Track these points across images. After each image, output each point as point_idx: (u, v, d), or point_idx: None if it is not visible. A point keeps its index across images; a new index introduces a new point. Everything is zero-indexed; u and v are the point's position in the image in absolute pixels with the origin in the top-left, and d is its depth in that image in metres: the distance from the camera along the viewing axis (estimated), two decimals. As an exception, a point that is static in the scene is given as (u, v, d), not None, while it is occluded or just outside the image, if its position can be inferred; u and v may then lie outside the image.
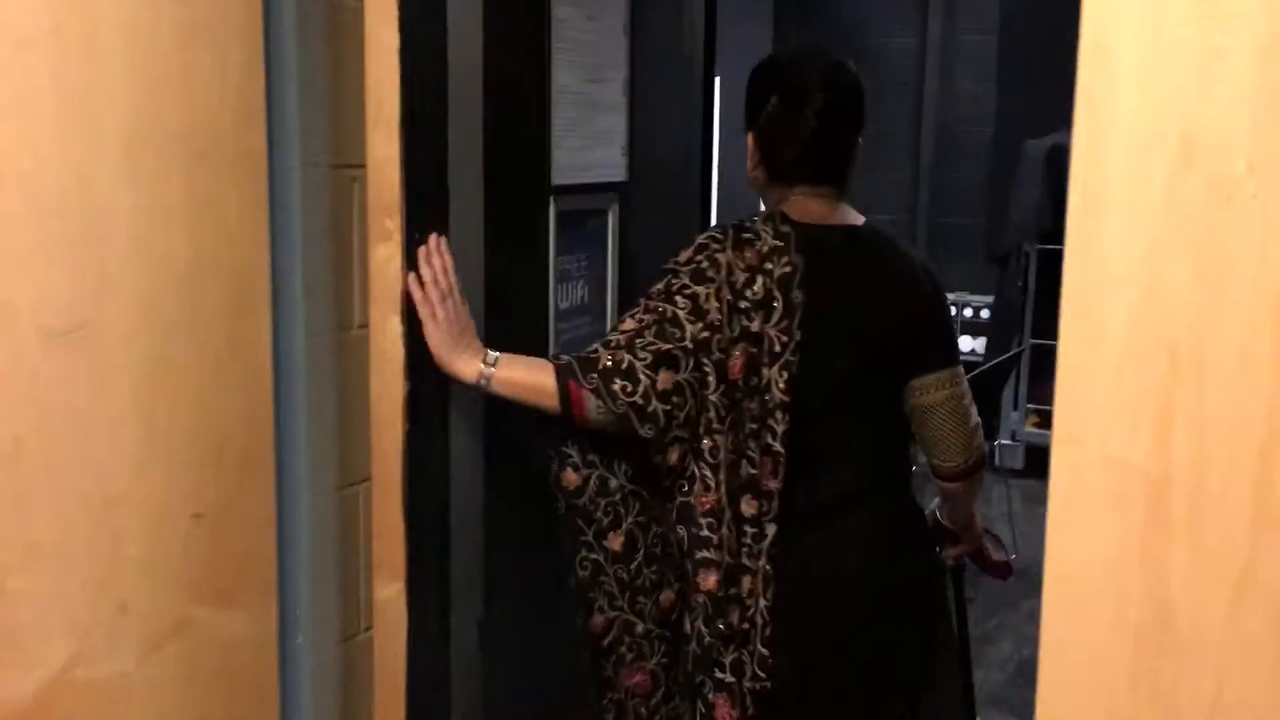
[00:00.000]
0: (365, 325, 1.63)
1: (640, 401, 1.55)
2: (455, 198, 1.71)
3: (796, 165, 1.67)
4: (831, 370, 1.63)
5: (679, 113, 2.50)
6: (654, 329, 1.58)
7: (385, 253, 1.62)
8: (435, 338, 1.59)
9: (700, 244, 1.65)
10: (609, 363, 1.57)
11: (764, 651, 1.61)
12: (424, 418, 1.66)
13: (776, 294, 1.58)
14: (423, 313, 1.59)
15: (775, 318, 1.57)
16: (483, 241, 1.76)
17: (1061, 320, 1.02)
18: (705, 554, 1.60)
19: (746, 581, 1.61)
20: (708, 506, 1.59)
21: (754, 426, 1.59)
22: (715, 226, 1.67)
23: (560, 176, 1.97)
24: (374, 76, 1.58)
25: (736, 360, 1.58)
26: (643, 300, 1.64)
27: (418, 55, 1.60)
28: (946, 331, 1.77)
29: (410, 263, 1.61)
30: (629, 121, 2.16)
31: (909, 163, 5.96)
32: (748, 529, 1.60)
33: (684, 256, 1.64)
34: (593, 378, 1.56)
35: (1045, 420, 5.22)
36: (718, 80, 2.59)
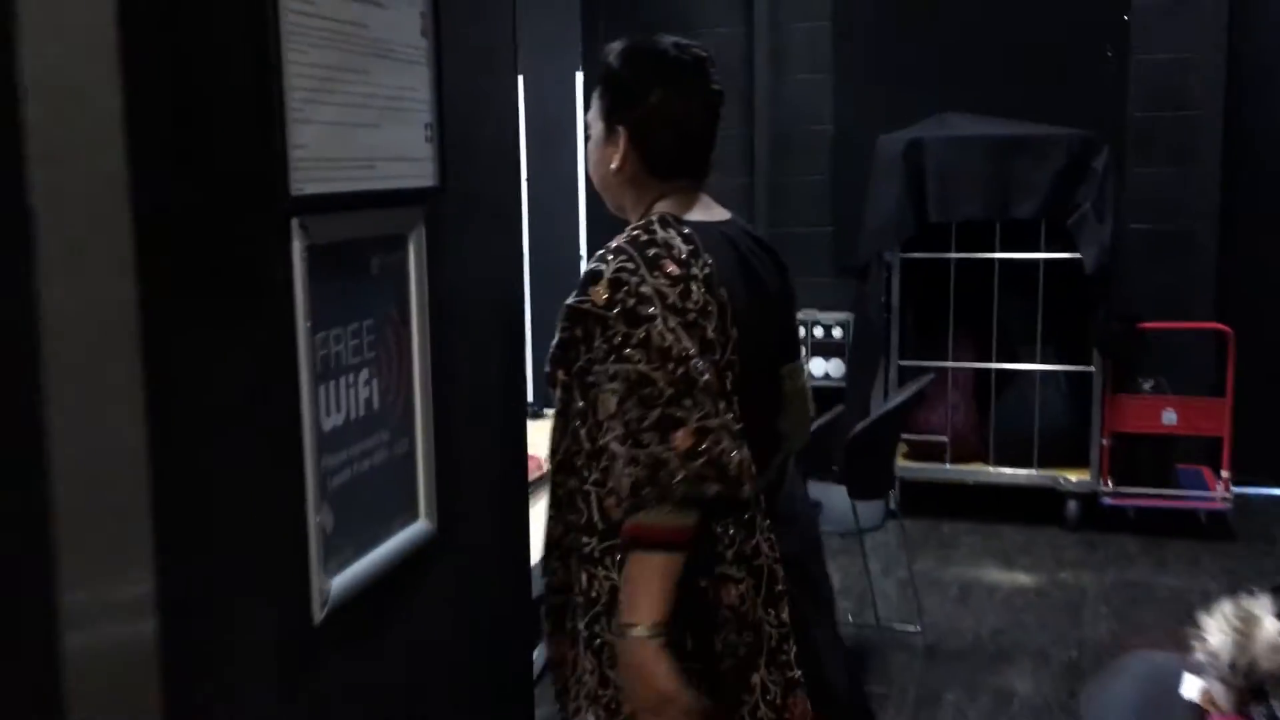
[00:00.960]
0: None
1: (694, 484, 1.46)
2: (53, 235, 0.75)
3: (681, 158, 1.65)
4: (756, 363, 1.63)
5: (499, 80, 1.61)
6: (630, 401, 1.46)
7: None
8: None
9: (612, 280, 1.49)
10: (661, 467, 1.43)
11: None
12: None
13: (709, 296, 1.54)
14: None
15: (714, 321, 1.55)
16: (136, 321, 0.81)
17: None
18: (722, 569, 1.56)
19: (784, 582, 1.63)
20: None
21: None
22: (608, 253, 1.51)
23: (308, 179, 1.02)
24: None
25: (710, 376, 1.55)
26: (583, 383, 1.50)
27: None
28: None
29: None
30: (436, 83, 1.23)
31: (742, 166, 5.40)
32: (764, 523, 1.61)
33: (601, 299, 1.49)
34: (655, 511, 1.43)
35: (915, 451, 4.71)
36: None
